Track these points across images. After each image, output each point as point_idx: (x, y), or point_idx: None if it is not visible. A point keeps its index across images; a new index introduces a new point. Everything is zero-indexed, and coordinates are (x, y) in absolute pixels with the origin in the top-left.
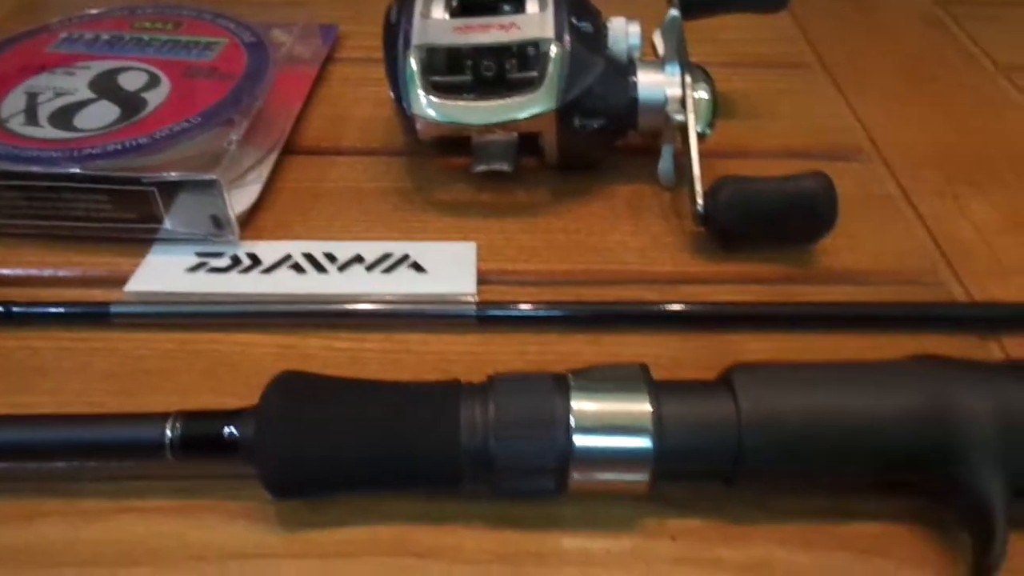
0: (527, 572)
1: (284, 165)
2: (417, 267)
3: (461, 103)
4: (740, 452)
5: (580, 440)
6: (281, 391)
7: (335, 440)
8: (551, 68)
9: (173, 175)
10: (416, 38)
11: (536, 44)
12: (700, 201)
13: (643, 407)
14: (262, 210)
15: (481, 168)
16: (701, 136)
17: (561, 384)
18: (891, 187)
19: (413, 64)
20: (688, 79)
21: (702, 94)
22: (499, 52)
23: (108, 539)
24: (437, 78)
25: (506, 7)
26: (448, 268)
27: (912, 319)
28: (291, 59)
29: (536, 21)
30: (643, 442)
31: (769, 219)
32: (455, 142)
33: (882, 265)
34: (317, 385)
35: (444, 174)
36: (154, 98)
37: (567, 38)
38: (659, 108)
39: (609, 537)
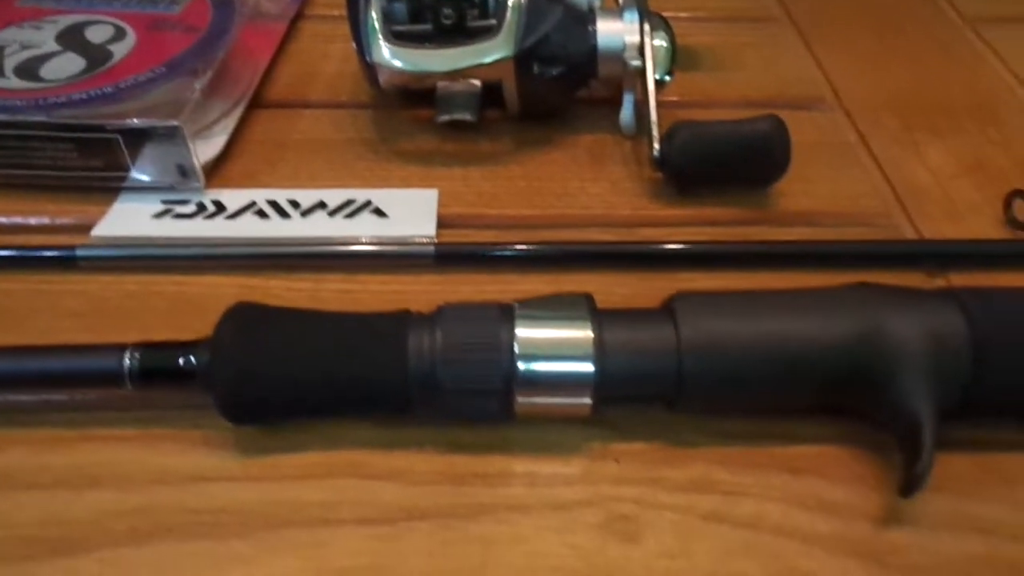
0: (475, 493)
1: (252, 118)
2: (379, 212)
3: (421, 51)
4: (680, 376)
5: (523, 364)
6: (235, 320)
7: (287, 366)
8: (509, 15)
9: (136, 122)
10: None
11: None
12: (656, 146)
13: (585, 333)
14: (229, 161)
15: (445, 118)
16: (660, 83)
17: (507, 312)
18: (850, 135)
19: (374, 14)
20: (647, 27)
21: (660, 42)
22: (458, 1)
23: (72, 464)
24: (399, 28)
25: None
26: (409, 213)
27: (861, 257)
28: (260, 15)
29: None
30: (585, 366)
31: (723, 162)
32: (420, 94)
33: (837, 208)
34: (270, 315)
35: (409, 125)
36: (120, 50)
37: None
38: (618, 55)
39: (554, 460)
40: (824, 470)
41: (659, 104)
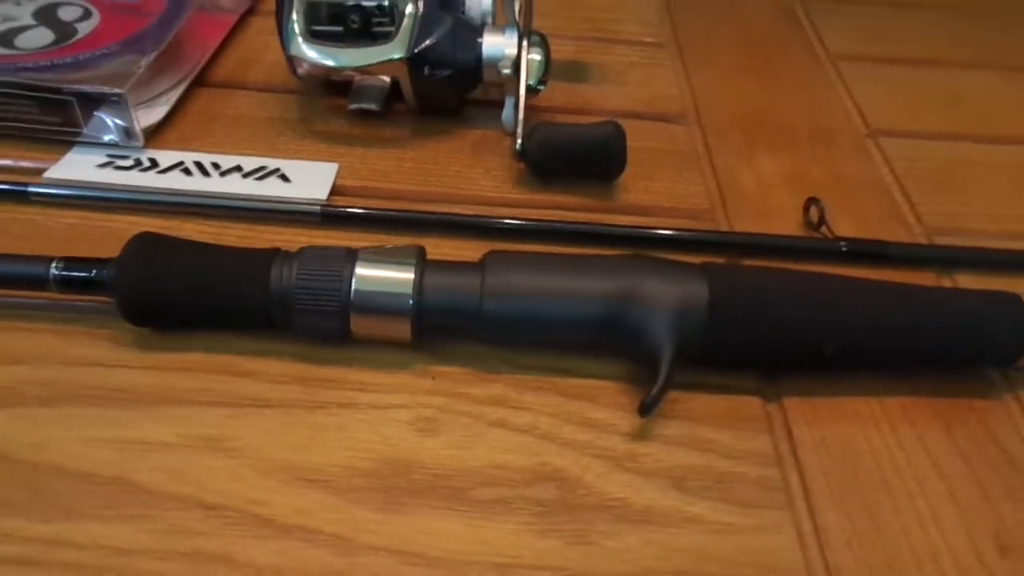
0: (314, 392)
1: (194, 94)
2: (284, 178)
3: (329, 48)
4: (482, 313)
5: (357, 293)
6: (137, 244)
7: (175, 282)
8: (404, 23)
9: (87, 88)
10: None
11: (396, 3)
12: (519, 141)
13: (409, 274)
14: (168, 127)
15: (354, 106)
16: (533, 90)
17: (352, 254)
18: (699, 145)
19: (295, 15)
20: (524, 43)
21: (535, 55)
22: (364, 9)
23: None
24: (317, 28)
25: None
26: (309, 180)
27: (673, 242)
28: (215, 6)
29: None
30: (405, 299)
31: (571, 157)
32: (339, 85)
33: (669, 203)
34: (166, 242)
35: (326, 111)
36: (84, 28)
37: (421, 1)
38: (498, 64)
39: (383, 373)
40: (594, 397)
41: (544, 109)
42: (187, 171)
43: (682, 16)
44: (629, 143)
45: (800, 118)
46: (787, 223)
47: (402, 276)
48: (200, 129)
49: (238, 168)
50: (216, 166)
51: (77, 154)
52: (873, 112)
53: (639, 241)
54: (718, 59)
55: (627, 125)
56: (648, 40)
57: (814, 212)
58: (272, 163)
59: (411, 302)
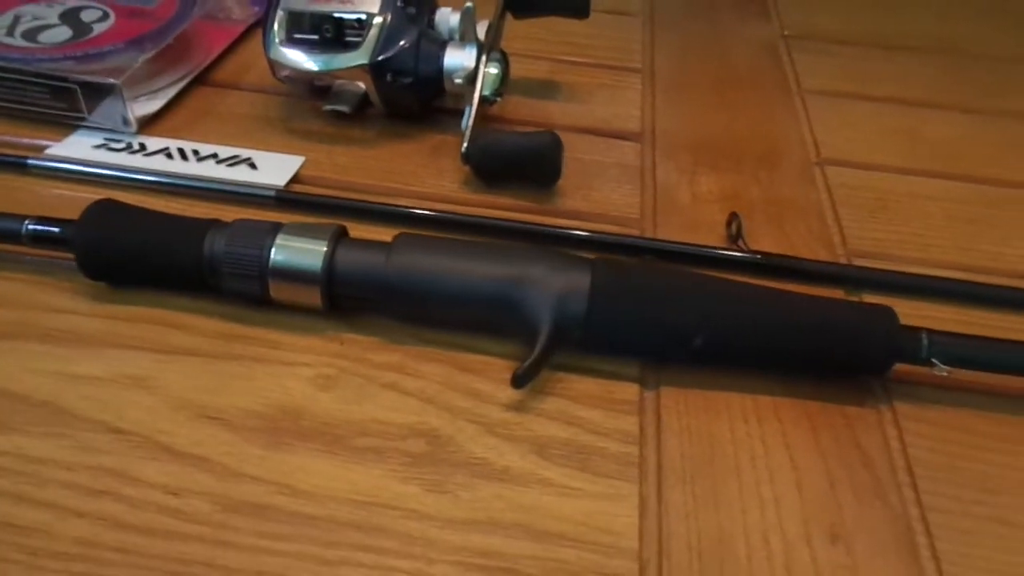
0: (233, 347)
1: (193, 91)
2: (252, 165)
3: (302, 53)
4: (388, 288)
5: (274, 261)
6: (96, 209)
7: (122, 242)
8: (370, 33)
9: (87, 77)
10: (282, 4)
11: (364, 16)
12: (465, 145)
13: (321, 247)
14: (164, 118)
15: (328, 107)
16: (489, 101)
17: (276, 227)
18: (646, 162)
19: (276, 24)
20: (483, 58)
21: (492, 69)
22: (338, 19)
23: None
24: (298, 35)
25: None
26: (274, 169)
27: (595, 243)
28: (226, 16)
29: (367, 0)
30: (316, 269)
31: (510, 162)
32: (321, 90)
33: (602, 211)
34: (121, 209)
35: (306, 112)
36: (99, 28)
37: (388, 15)
38: (454, 75)
39: (298, 335)
40: (483, 371)
41: (507, 120)
42: (169, 155)
43: (665, 47)
44: (578, 155)
45: (753, 144)
46: (712, 236)
47: (316, 248)
48: (192, 121)
49: (214, 155)
50: (196, 153)
51: (79, 136)
52: (828, 143)
53: (558, 240)
54: (688, 87)
55: (581, 139)
56: (623, 65)
57: (734, 226)
58: (245, 153)
59: (320, 271)
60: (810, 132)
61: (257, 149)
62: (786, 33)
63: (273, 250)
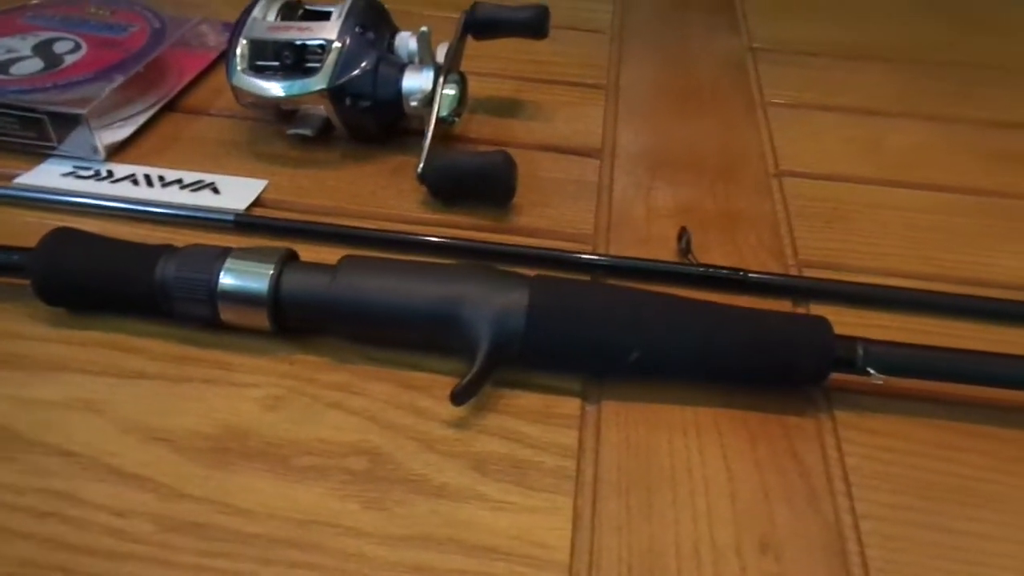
0: (186, 369)
1: (164, 117)
2: (215, 190)
3: (263, 80)
4: (332, 308)
5: (223, 285)
6: (53, 237)
7: (78, 269)
8: (328, 59)
9: (54, 108)
10: (244, 32)
11: (324, 42)
12: (421, 166)
13: (269, 271)
14: (133, 145)
15: (291, 131)
16: (447, 121)
17: (225, 252)
18: (604, 178)
19: (238, 51)
20: (442, 79)
21: (448, 91)
22: (297, 46)
23: None
24: (260, 62)
25: (318, 17)
26: (236, 193)
27: (545, 260)
28: (200, 43)
29: (327, 27)
30: (262, 293)
31: (464, 183)
32: (287, 114)
33: (557, 227)
34: (76, 236)
35: (272, 136)
36: (70, 59)
37: (347, 40)
38: (410, 98)
39: (249, 356)
40: (428, 388)
41: (469, 139)
42: (135, 182)
43: (631, 63)
44: (537, 172)
45: (712, 157)
46: (664, 251)
47: (262, 272)
48: (161, 147)
49: (179, 181)
50: (161, 179)
51: (49, 165)
52: (788, 154)
53: (507, 257)
54: (652, 102)
55: (541, 157)
56: (588, 83)
57: (683, 240)
58: (209, 178)
59: (266, 294)
60: (770, 144)
61: (222, 174)
62: (754, 46)
63: (221, 274)
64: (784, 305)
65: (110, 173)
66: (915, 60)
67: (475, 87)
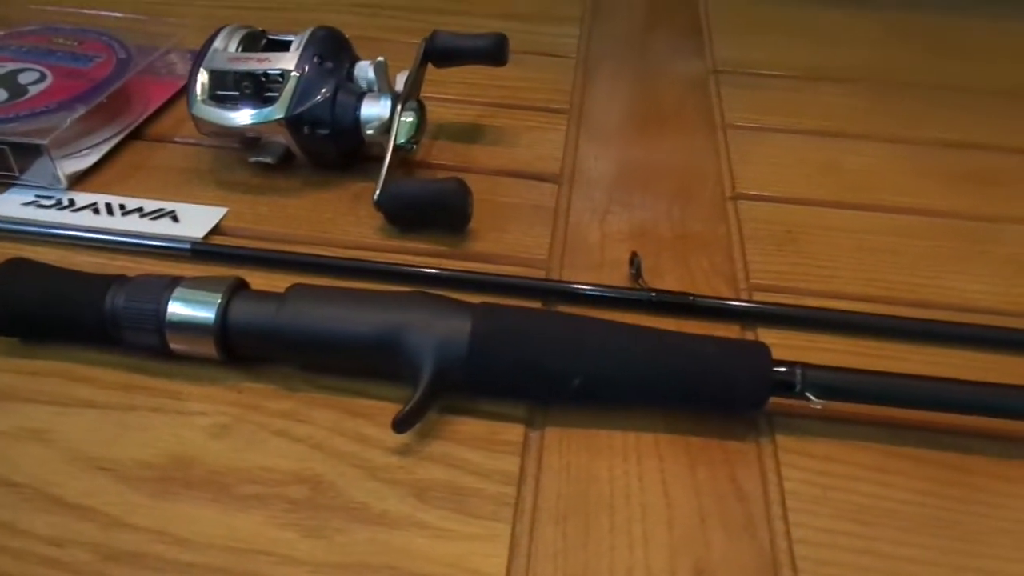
0: (135, 398)
1: (129, 146)
2: (175, 218)
3: (222, 110)
4: (279, 337)
5: (171, 315)
6: (4, 267)
7: (29, 298)
8: (286, 89)
9: (14, 138)
10: (204, 63)
11: (282, 73)
12: (377, 192)
13: (215, 300)
14: (97, 174)
15: (253, 159)
16: (405, 148)
17: (175, 281)
18: (561, 203)
19: (198, 81)
20: (400, 107)
21: (406, 118)
22: (256, 76)
23: None
24: (221, 92)
25: (280, 47)
26: (195, 221)
27: (496, 285)
28: (168, 72)
29: (285, 57)
30: (209, 323)
31: (419, 209)
32: (251, 141)
33: (512, 253)
34: (29, 266)
35: (236, 164)
36: (34, 89)
37: (305, 69)
38: (368, 126)
39: (197, 385)
40: (373, 415)
41: (430, 165)
42: (96, 210)
43: (595, 88)
44: (495, 198)
45: (670, 181)
46: (617, 275)
47: (209, 301)
48: (125, 176)
49: (139, 209)
50: (122, 207)
51: (11, 194)
52: (745, 177)
53: (462, 284)
54: (615, 126)
55: (500, 182)
56: (553, 108)
57: (634, 265)
58: (170, 206)
59: (214, 324)
60: (728, 167)
61: (183, 201)
62: (718, 69)
63: (170, 304)
64: (733, 329)
65: (72, 202)
66: (879, 82)
67: (440, 113)
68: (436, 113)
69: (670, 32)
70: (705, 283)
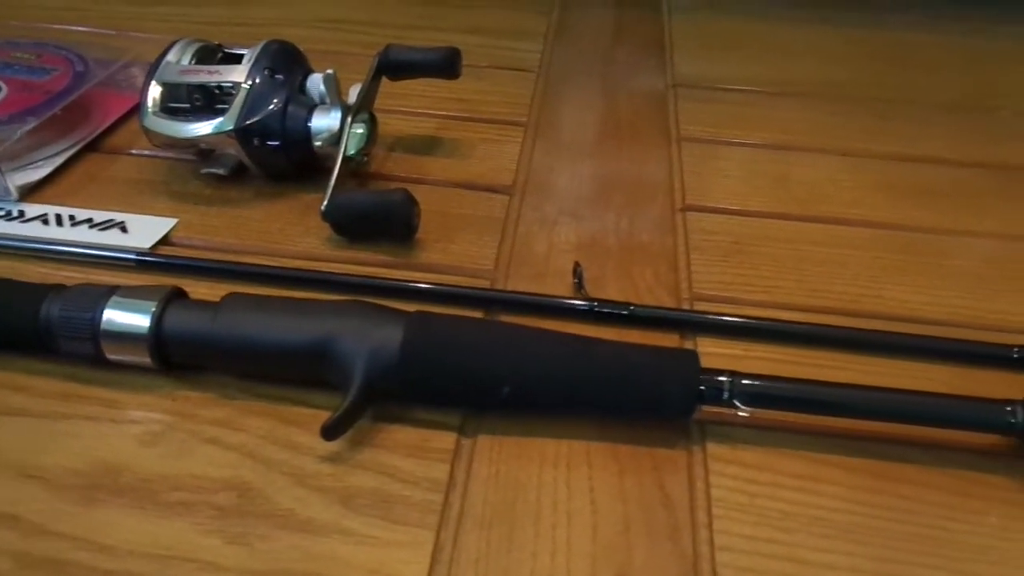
0: (70, 406)
1: (85, 158)
2: (123, 229)
3: (172, 122)
4: (213, 346)
5: (105, 324)
6: None
7: None
8: (236, 101)
9: None
10: (156, 76)
11: (232, 85)
12: (325, 203)
13: (151, 310)
14: (50, 185)
15: (205, 171)
16: (356, 160)
17: (111, 291)
18: (511, 214)
19: (149, 94)
20: (350, 119)
21: (356, 130)
22: (207, 89)
23: None
24: (173, 104)
25: (234, 60)
26: (144, 232)
27: (438, 295)
28: (129, 85)
29: (236, 70)
30: (143, 332)
31: (365, 220)
32: (206, 153)
33: (458, 263)
34: None
35: (189, 175)
36: None
37: (255, 81)
38: (317, 137)
39: (133, 393)
40: (307, 423)
41: (383, 176)
42: (46, 221)
43: (554, 101)
44: (446, 209)
45: (621, 192)
46: (562, 285)
47: (144, 309)
48: (78, 187)
49: (89, 220)
50: (72, 218)
51: None
52: (696, 189)
53: (403, 293)
54: (571, 139)
55: (451, 193)
56: (510, 120)
57: (577, 275)
58: (120, 216)
59: (148, 333)
60: (680, 179)
61: (134, 213)
62: (677, 83)
63: (105, 312)
64: (672, 339)
65: (22, 213)
66: (835, 96)
67: (398, 125)
68: (394, 125)
69: (633, 48)
70: (648, 293)
